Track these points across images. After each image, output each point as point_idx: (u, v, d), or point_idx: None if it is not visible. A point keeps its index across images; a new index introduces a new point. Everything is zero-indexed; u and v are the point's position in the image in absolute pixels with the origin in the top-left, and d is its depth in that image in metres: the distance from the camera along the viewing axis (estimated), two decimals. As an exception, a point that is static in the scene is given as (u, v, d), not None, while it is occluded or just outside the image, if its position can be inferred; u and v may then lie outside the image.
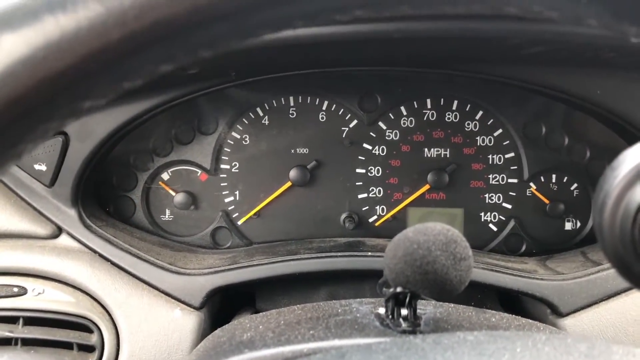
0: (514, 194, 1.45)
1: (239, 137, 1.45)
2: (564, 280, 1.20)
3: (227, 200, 1.47)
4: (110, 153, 1.37)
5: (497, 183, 1.45)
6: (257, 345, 0.72)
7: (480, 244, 1.46)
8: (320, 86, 1.43)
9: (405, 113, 1.45)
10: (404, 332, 0.71)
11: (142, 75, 0.39)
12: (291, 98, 1.44)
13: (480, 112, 1.43)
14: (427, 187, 1.44)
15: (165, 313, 1.18)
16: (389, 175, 1.46)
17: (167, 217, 1.47)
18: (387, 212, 1.47)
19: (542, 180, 1.44)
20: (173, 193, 1.45)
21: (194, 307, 1.20)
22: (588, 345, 0.54)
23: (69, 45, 0.35)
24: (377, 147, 1.45)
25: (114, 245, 1.24)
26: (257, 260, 1.26)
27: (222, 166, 1.46)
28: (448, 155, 1.45)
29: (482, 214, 1.46)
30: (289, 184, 1.45)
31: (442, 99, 1.44)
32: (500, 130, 1.44)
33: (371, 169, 1.46)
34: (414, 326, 0.72)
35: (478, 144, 1.44)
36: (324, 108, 1.45)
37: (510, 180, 1.45)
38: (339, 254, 1.26)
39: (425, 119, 1.45)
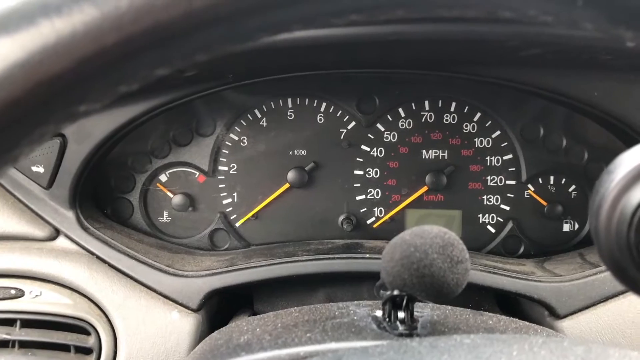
0: (512, 195, 1.45)
1: (237, 138, 1.45)
2: (562, 282, 1.20)
3: (225, 202, 1.47)
4: (108, 155, 1.37)
5: (495, 185, 1.45)
6: (254, 348, 0.72)
7: (479, 246, 1.47)
8: (318, 88, 1.43)
9: (403, 115, 1.45)
10: (400, 335, 0.72)
11: (138, 79, 0.39)
12: (289, 100, 1.44)
13: (479, 114, 1.43)
14: (425, 188, 1.44)
15: (162, 315, 1.18)
16: (387, 177, 1.46)
17: (165, 218, 1.47)
18: (385, 214, 1.47)
19: (540, 182, 1.44)
20: (171, 195, 1.45)
21: (192, 309, 1.20)
22: (584, 349, 0.54)
23: (64, 49, 0.35)
24: (375, 149, 1.45)
25: (111, 247, 1.24)
26: (254, 262, 1.26)
27: (220, 168, 1.46)
28: (446, 157, 1.45)
29: (480, 215, 1.46)
30: (287, 185, 1.45)
31: (440, 101, 1.44)
32: (498, 132, 1.44)
33: (369, 170, 1.46)
34: (411, 329, 0.72)
35: (476, 146, 1.44)
36: (322, 110, 1.45)
37: (508, 182, 1.45)
38: (337, 255, 1.26)
39: (423, 120, 1.45)
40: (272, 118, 1.45)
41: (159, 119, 1.38)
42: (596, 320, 1.16)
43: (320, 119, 1.45)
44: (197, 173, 1.46)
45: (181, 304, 1.20)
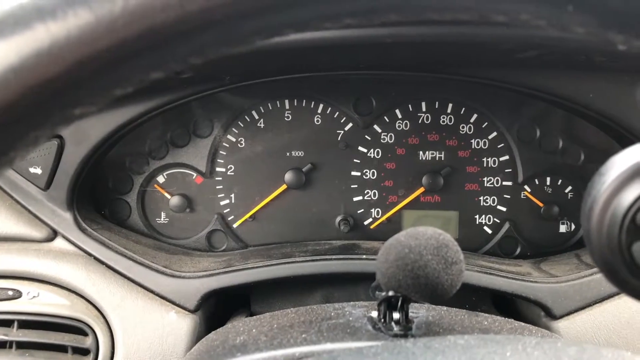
0: (509, 196, 1.45)
1: (234, 140, 1.45)
2: (558, 283, 1.21)
3: (222, 203, 1.47)
4: (105, 156, 1.37)
5: (492, 186, 1.46)
6: (250, 349, 0.72)
7: (475, 247, 1.47)
8: (315, 89, 1.43)
9: (400, 116, 1.45)
10: (395, 335, 0.72)
11: (132, 82, 0.39)
12: (286, 101, 1.45)
13: (475, 115, 1.44)
14: (422, 189, 1.45)
15: (160, 316, 1.18)
16: (384, 178, 1.46)
17: (162, 220, 1.48)
18: (382, 215, 1.47)
19: (537, 183, 1.45)
20: (168, 196, 1.46)
21: (189, 310, 1.20)
22: (578, 349, 0.55)
23: (59, 52, 0.36)
24: (372, 150, 1.46)
25: (109, 248, 1.25)
26: (252, 263, 1.26)
27: (218, 169, 1.46)
28: (443, 158, 1.45)
29: (477, 216, 1.47)
30: (284, 186, 1.45)
31: (436, 102, 1.44)
32: (494, 133, 1.44)
33: (366, 171, 1.46)
34: (406, 330, 0.72)
35: (473, 147, 1.45)
36: (319, 111, 1.45)
37: (504, 183, 1.45)
38: (334, 256, 1.26)
39: (420, 122, 1.45)
40: (269, 119, 1.45)
41: (157, 121, 1.39)
42: (592, 321, 1.17)
43: (318, 121, 1.45)
44: (195, 174, 1.46)
45: (178, 305, 1.20)
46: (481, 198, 1.46)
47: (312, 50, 1.05)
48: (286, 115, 1.45)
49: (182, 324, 1.17)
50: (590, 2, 0.39)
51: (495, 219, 1.46)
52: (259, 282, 1.24)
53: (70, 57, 0.36)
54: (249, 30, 0.39)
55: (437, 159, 1.45)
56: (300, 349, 0.71)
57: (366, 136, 1.45)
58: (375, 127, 1.45)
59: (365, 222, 1.47)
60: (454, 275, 0.69)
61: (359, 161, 1.46)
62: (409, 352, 0.55)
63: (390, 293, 0.72)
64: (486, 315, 0.86)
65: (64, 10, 0.36)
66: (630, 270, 0.47)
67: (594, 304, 1.18)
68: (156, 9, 0.36)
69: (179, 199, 1.44)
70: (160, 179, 1.47)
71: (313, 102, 1.45)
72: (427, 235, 0.70)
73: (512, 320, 0.88)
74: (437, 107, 1.44)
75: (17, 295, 1.18)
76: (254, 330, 0.79)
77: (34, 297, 1.18)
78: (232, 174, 1.46)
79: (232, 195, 1.47)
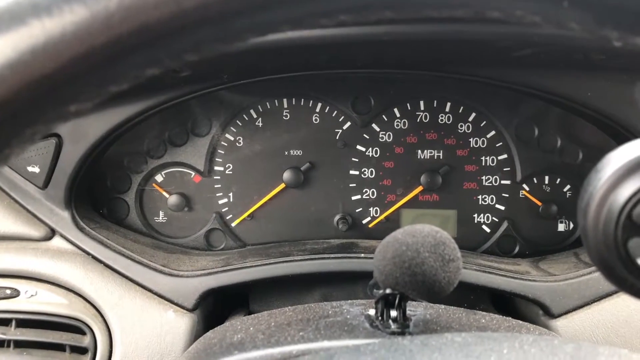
0: (507, 195, 1.45)
1: (232, 139, 1.45)
2: (556, 282, 1.21)
3: (220, 202, 1.47)
4: (103, 155, 1.37)
5: (490, 184, 1.46)
6: (247, 347, 0.72)
7: (474, 246, 1.47)
8: (313, 88, 1.43)
9: (398, 115, 1.45)
10: (392, 333, 0.72)
11: (128, 79, 0.39)
12: (284, 100, 1.45)
13: (473, 114, 1.44)
14: (420, 188, 1.45)
15: (158, 315, 1.18)
16: (382, 177, 1.46)
17: (160, 219, 1.48)
18: (380, 214, 1.47)
19: (535, 181, 1.45)
20: (167, 195, 1.46)
21: (187, 309, 1.20)
22: (574, 347, 0.55)
23: (55, 49, 0.36)
24: (370, 149, 1.46)
25: (107, 247, 1.25)
26: (250, 261, 1.26)
27: (216, 168, 1.46)
28: (441, 157, 1.45)
29: (475, 215, 1.47)
30: (282, 185, 1.45)
31: (435, 101, 1.44)
32: (493, 132, 1.44)
33: (364, 170, 1.46)
34: (403, 327, 0.72)
35: (471, 146, 1.45)
36: (317, 110, 1.45)
37: (503, 182, 1.45)
38: (332, 255, 1.26)
39: (418, 120, 1.45)
40: (267, 118, 1.45)
41: (155, 119, 1.39)
42: (590, 319, 1.17)
43: (316, 119, 1.45)
44: (193, 173, 1.46)
45: (177, 304, 1.20)
46: (479, 197, 1.46)
47: (310, 48, 1.05)
48: (284, 114, 1.45)
49: (180, 323, 1.17)
50: (585, -2, 0.39)
51: (493, 218, 1.46)
52: (258, 281, 1.24)
53: (66, 53, 0.36)
54: (244, 26, 0.39)
55: (435, 157, 1.45)
56: (297, 347, 0.71)
57: (364, 135, 1.45)
58: (374, 126, 1.45)
59: (364, 221, 1.48)
60: (451, 273, 0.69)
61: (357, 160, 1.46)
62: (406, 349, 0.55)
63: (388, 291, 0.72)
64: (484, 313, 0.86)
65: (60, 7, 0.36)
66: (626, 266, 0.47)
67: (592, 303, 1.18)
68: (151, 5, 0.36)
69: (177, 198, 1.44)
70: (159, 177, 1.47)
71: (311, 101, 1.45)
72: (425, 232, 0.70)
73: (510, 318, 0.88)
74: (435, 105, 1.44)
75: (15, 294, 1.18)
76: (251, 329, 0.79)
77: (31, 295, 1.18)
78: (231, 172, 1.46)
79: (231, 194, 1.47)
